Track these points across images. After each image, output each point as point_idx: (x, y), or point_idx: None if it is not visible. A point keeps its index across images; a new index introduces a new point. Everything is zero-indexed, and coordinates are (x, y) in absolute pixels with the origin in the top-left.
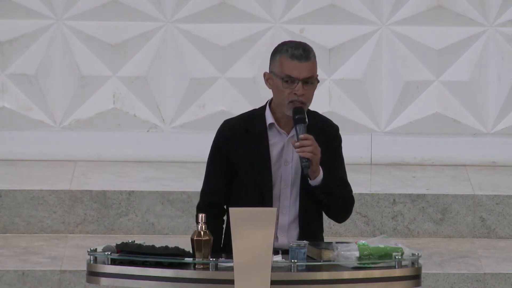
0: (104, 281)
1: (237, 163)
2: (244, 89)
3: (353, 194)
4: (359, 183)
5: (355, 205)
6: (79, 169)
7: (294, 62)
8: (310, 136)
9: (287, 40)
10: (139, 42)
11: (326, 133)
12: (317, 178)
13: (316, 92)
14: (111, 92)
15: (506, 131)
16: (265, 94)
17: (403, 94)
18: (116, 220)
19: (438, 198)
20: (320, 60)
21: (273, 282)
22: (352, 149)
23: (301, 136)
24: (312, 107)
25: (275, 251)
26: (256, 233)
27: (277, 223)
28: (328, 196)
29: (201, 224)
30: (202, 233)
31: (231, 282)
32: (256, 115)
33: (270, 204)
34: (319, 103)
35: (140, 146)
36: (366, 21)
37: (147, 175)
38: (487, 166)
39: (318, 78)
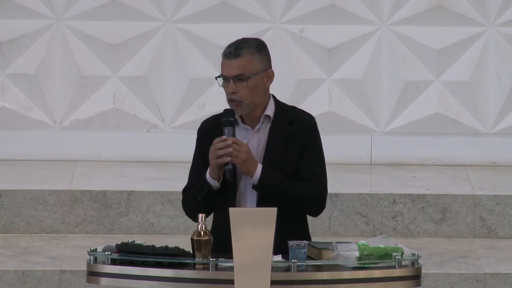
0: (104, 281)
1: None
2: None
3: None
4: (359, 183)
5: (355, 204)
6: (79, 169)
7: (225, 61)
8: (232, 139)
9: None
10: (139, 42)
11: (294, 128)
12: (254, 178)
13: (316, 92)
14: (111, 92)
15: (506, 131)
16: None
17: (403, 94)
18: (116, 220)
19: (438, 198)
20: (320, 60)
21: (273, 282)
22: (352, 149)
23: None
24: (313, 107)
25: None
26: (256, 233)
27: None
28: (275, 193)
29: (201, 224)
30: (202, 233)
31: (231, 282)
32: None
33: (233, 200)
34: (319, 103)
35: (140, 146)
36: (366, 21)
37: (147, 175)
38: (487, 166)
39: (315, 79)
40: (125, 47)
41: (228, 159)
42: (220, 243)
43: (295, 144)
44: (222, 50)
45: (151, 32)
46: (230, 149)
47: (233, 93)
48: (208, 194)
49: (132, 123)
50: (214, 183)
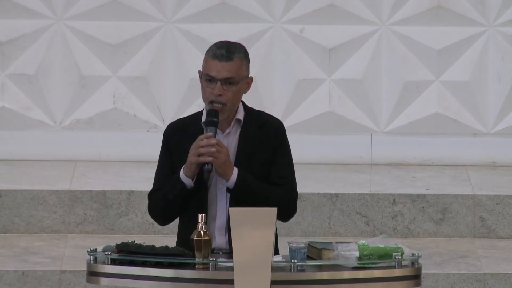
0: (104, 281)
1: (177, 163)
2: None
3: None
4: (359, 183)
5: (355, 204)
6: (79, 169)
7: (214, 62)
8: (213, 140)
9: (220, 41)
10: (139, 42)
11: (264, 132)
12: (230, 181)
13: (316, 92)
14: (111, 92)
15: (506, 131)
16: (265, 94)
17: (403, 94)
18: (116, 220)
19: (438, 198)
20: (320, 60)
21: (273, 282)
22: (352, 149)
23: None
24: (313, 107)
25: (217, 252)
26: (256, 233)
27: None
28: (249, 197)
29: (201, 224)
30: (202, 233)
31: (231, 282)
32: (195, 117)
33: (205, 205)
34: (319, 103)
35: (140, 146)
36: (366, 21)
37: (147, 175)
38: (487, 166)
39: (315, 79)
40: (125, 47)
41: (209, 158)
42: (187, 246)
43: (266, 148)
44: None
45: (151, 32)
46: (213, 149)
47: (220, 95)
48: (181, 193)
49: (132, 123)
50: (188, 182)
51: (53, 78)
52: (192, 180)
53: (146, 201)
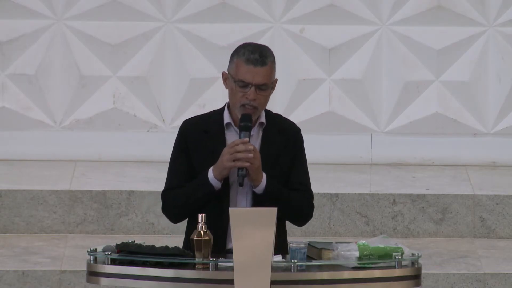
0: (104, 281)
1: (196, 162)
2: None
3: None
4: (359, 183)
5: (355, 205)
6: (79, 169)
7: (248, 67)
8: (251, 146)
9: (247, 43)
10: (139, 42)
11: (285, 137)
12: (260, 186)
13: (316, 92)
14: (111, 92)
15: (506, 131)
16: None
17: (403, 94)
18: (116, 220)
19: (438, 198)
20: (320, 60)
21: (273, 282)
22: (352, 149)
23: None
24: (313, 107)
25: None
26: (256, 233)
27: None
28: (274, 202)
29: (201, 224)
30: (202, 233)
31: (231, 282)
32: (215, 115)
33: (227, 205)
34: (319, 103)
35: (140, 146)
36: (366, 21)
37: (147, 175)
38: (487, 166)
39: (315, 79)
40: (125, 47)
41: (246, 164)
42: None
43: (286, 153)
44: (222, 50)
45: (151, 32)
46: (250, 155)
47: (254, 99)
48: (207, 194)
49: (132, 123)
50: (217, 184)
51: (53, 78)
52: (221, 182)
53: (146, 201)
